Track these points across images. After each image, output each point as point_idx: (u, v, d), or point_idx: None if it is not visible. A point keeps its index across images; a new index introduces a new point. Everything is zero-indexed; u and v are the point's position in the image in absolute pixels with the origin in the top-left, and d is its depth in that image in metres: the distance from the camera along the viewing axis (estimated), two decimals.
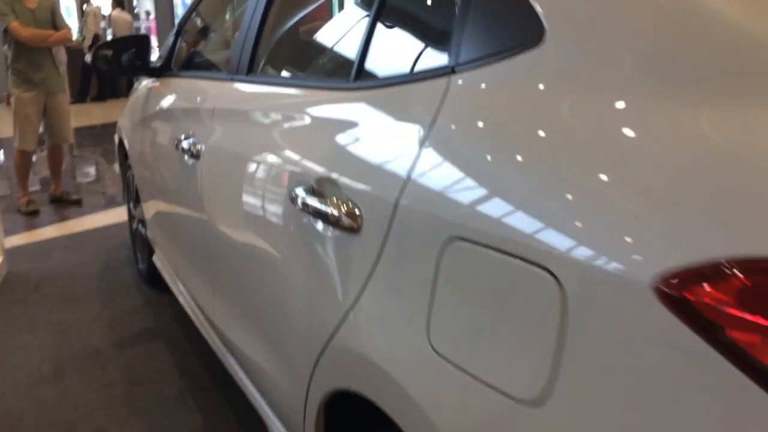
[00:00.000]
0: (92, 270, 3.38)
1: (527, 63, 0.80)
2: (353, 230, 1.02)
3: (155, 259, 2.82)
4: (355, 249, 1.03)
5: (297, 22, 1.76)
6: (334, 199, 1.07)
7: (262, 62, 1.70)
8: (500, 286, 0.74)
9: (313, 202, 1.11)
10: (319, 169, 1.14)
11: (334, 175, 1.09)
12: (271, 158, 1.36)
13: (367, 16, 1.21)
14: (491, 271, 0.75)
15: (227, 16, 2.57)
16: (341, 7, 1.65)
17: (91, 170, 6.55)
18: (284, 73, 1.75)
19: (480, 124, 0.83)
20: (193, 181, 1.88)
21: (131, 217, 3.34)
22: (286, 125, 1.37)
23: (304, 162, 1.22)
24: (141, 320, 2.81)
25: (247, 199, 1.49)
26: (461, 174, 0.82)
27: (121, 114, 3.23)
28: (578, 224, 0.66)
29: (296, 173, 1.24)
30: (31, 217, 4.52)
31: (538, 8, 0.81)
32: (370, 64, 1.16)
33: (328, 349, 1.10)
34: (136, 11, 13.65)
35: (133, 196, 3.18)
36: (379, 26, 1.17)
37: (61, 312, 2.88)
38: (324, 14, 1.65)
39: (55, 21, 4.43)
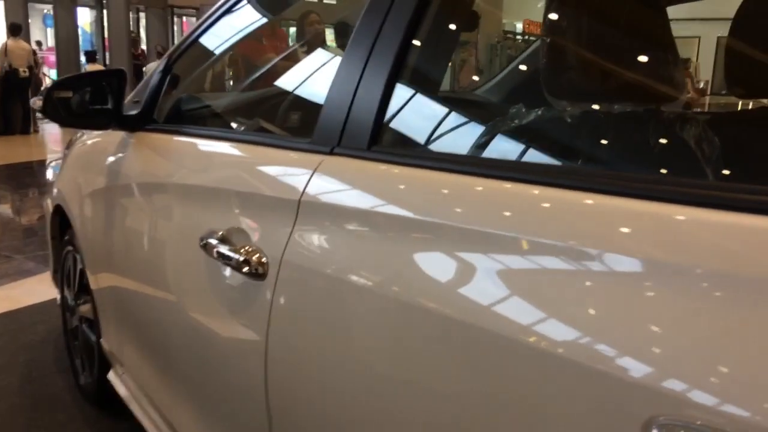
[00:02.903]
0: (10, 381, 2.48)
1: None
2: None
3: (112, 377, 2.02)
4: None
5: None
6: None
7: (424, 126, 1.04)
8: None
9: None
10: None
11: None
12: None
13: None
14: None
15: (290, 38, 1.87)
16: None
17: None
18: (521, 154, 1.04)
19: None
20: (246, 310, 1.17)
21: (66, 309, 2.49)
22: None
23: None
24: None
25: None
26: None
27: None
28: None
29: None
30: None
31: None
32: None
33: None
34: None
35: (73, 285, 2.35)
36: None
37: None
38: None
39: None
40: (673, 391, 0.56)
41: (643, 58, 1.08)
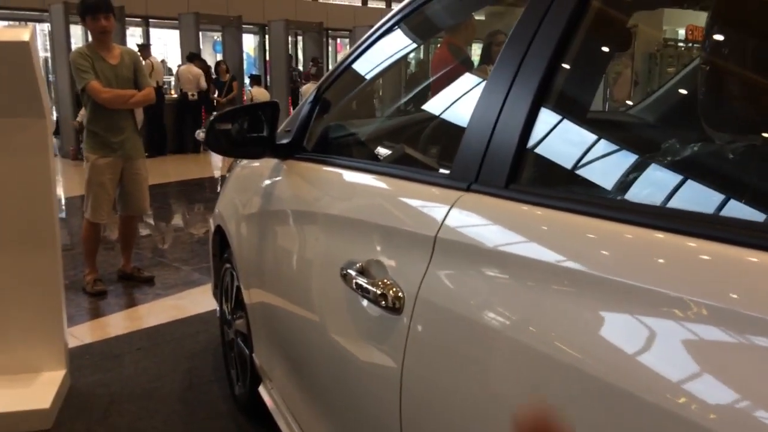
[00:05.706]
0: (173, 387, 2.70)
1: None
2: None
3: (263, 391, 2.12)
4: None
5: None
6: None
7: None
8: None
9: None
10: None
11: None
12: None
13: None
14: None
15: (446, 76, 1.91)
16: None
17: (161, 238, 5.99)
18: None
19: None
20: (383, 340, 1.18)
21: (224, 322, 2.66)
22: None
23: None
24: None
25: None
26: None
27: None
28: None
29: None
30: (98, 298, 3.92)
31: None
32: None
33: None
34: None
35: (230, 300, 2.51)
36: None
37: None
38: None
39: (137, 79, 3.91)
40: None
41: None
